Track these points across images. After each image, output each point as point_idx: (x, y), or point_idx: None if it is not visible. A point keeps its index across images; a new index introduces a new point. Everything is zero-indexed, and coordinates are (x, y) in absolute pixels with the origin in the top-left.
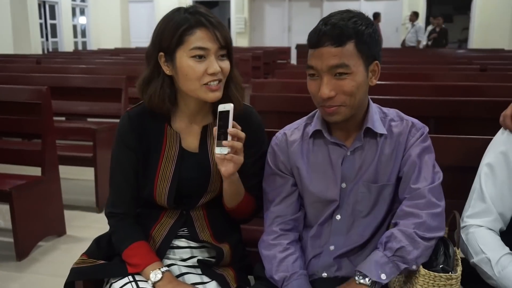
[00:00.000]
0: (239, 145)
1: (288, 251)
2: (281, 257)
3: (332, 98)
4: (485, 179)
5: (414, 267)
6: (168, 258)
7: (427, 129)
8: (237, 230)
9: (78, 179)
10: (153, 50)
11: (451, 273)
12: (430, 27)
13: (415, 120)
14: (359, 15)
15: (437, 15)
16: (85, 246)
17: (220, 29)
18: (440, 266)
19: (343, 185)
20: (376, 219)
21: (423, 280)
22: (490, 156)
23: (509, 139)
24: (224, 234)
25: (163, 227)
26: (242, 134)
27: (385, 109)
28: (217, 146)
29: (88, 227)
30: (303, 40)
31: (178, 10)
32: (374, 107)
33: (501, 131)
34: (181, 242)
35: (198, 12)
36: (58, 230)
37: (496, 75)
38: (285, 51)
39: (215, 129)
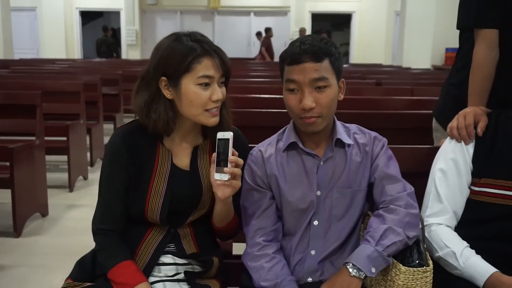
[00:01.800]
0: (239, 171)
1: (275, 260)
2: (269, 267)
3: (312, 110)
4: (439, 183)
5: (390, 259)
6: (153, 276)
7: (386, 140)
8: (219, 246)
9: None
10: (154, 74)
11: (425, 267)
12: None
13: (374, 133)
14: (325, 39)
15: (320, 31)
16: (4, 275)
17: (223, 57)
18: (417, 261)
19: (318, 192)
20: (351, 221)
21: (404, 277)
22: (441, 162)
23: (457, 147)
24: (209, 250)
25: (150, 244)
26: (241, 161)
27: (346, 124)
28: (216, 172)
29: (6, 253)
30: None
31: (178, 38)
32: (338, 122)
33: (448, 139)
34: (167, 259)
35: (202, 41)
36: None
37: (390, 89)
38: None
39: (214, 155)
